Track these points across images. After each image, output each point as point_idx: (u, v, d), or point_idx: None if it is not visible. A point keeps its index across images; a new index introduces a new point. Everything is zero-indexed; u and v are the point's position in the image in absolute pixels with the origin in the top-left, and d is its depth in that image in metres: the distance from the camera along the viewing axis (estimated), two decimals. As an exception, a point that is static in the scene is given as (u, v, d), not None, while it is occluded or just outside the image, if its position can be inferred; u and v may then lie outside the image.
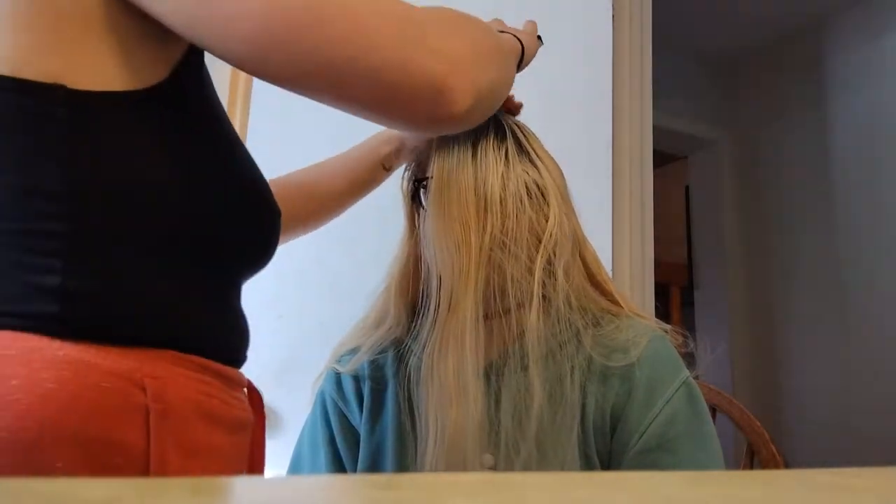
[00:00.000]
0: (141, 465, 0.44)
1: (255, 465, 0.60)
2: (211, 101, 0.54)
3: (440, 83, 0.46)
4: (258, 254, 0.58)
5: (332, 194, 0.88)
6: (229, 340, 0.55)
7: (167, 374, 0.47)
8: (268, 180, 0.89)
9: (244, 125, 1.36)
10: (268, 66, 0.46)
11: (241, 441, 0.55)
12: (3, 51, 0.44)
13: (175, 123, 0.51)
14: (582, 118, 1.36)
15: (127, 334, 0.46)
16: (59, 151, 0.46)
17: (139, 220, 0.48)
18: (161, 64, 0.49)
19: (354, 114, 0.51)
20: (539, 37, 0.77)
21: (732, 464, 0.97)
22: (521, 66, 0.71)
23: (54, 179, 0.46)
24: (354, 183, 0.88)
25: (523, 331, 0.69)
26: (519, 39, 0.69)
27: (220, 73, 1.40)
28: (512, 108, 0.86)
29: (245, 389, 0.58)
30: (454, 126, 0.54)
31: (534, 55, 0.74)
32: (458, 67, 0.47)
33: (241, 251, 0.56)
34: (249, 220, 0.56)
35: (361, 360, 0.80)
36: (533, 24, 0.77)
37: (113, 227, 0.47)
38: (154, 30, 0.47)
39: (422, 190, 0.74)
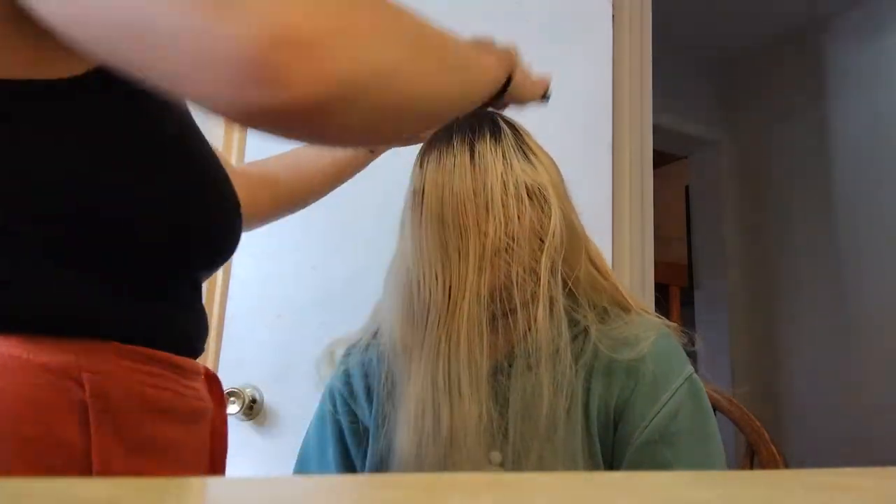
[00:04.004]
0: (83, 465, 0.42)
1: (216, 454, 0.58)
2: (146, 95, 0.44)
3: (253, 56, 0.32)
4: (203, 248, 0.53)
5: (317, 173, 0.88)
6: (181, 331, 0.53)
7: (110, 367, 0.44)
8: (252, 161, 0.89)
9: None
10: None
11: (198, 431, 0.53)
12: None
13: (97, 115, 0.46)
14: (582, 118, 1.36)
15: (61, 326, 0.43)
16: None
17: (54, 214, 0.44)
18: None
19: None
20: (545, 95, 0.72)
21: (732, 464, 0.97)
22: (498, 100, 0.63)
23: None
24: (337, 163, 0.89)
25: (529, 329, 0.69)
26: (510, 68, 0.61)
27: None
28: None
29: (203, 378, 0.56)
30: (300, 121, 0.36)
31: (523, 98, 0.67)
32: (299, 37, 0.32)
33: (177, 246, 0.51)
34: (186, 215, 0.51)
35: (371, 359, 0.80)
36: (545, 80, 0.71)
37: (25, 221, 0.43)
38: None
39: (419, 196, 0.74)
